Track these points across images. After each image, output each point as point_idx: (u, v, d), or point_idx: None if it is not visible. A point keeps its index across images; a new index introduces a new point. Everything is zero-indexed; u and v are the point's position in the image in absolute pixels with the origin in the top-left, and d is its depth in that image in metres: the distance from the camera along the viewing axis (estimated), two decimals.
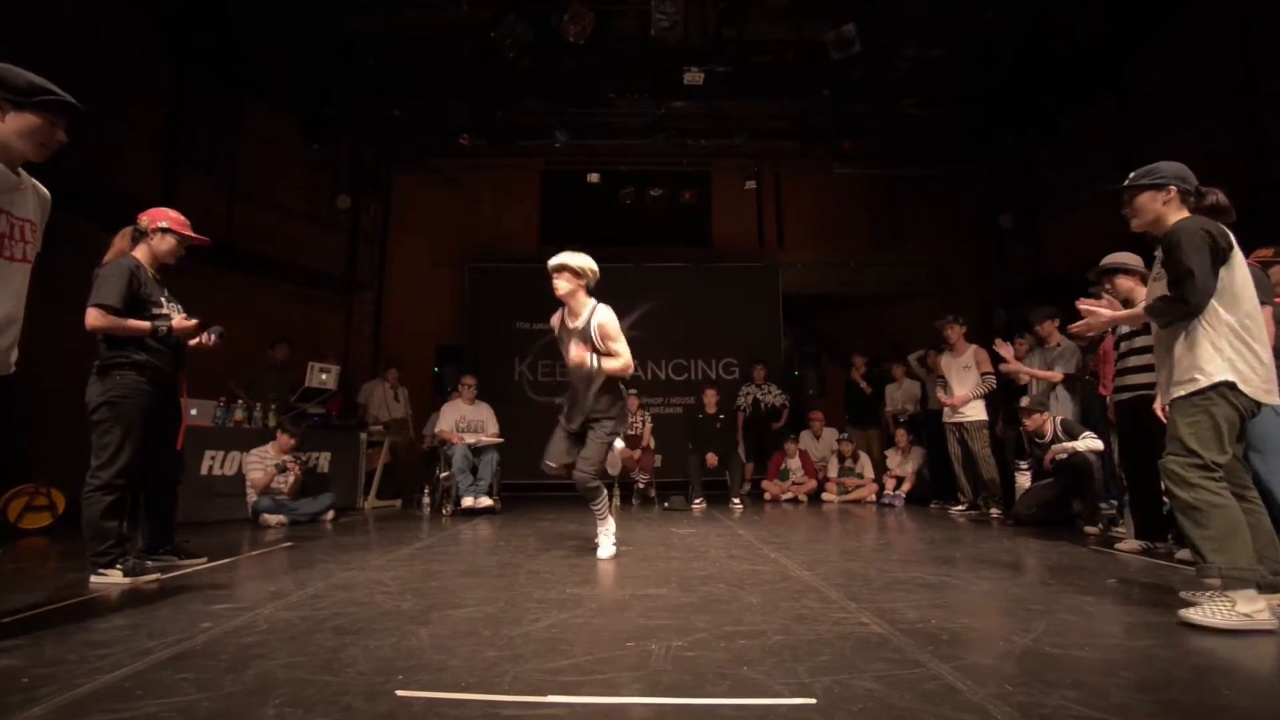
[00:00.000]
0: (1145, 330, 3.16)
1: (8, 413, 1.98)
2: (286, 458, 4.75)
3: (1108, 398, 3.78)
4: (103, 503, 2.56)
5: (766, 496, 6.56)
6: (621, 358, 2.99)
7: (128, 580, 2.55)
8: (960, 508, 5.23)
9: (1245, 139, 5.06)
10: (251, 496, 4.66)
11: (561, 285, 3.02)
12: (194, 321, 2.82)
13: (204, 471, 4.70)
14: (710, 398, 6.53)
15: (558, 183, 8.59)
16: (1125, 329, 3.31)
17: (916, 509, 5.68)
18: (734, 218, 8.69)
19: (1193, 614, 1.86)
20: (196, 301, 3.06)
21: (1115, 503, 4.10)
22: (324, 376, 5.57)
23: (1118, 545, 3.32)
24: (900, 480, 6.19)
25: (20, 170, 1.88)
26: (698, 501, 5.95)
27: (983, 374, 5.10)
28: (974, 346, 5.24)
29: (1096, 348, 4.24)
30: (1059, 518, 4.21)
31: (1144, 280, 3.28)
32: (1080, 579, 2.59)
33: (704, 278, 8.36)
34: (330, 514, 4.84)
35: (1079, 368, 4.50)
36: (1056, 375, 4.56)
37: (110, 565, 2.56)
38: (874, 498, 6.25)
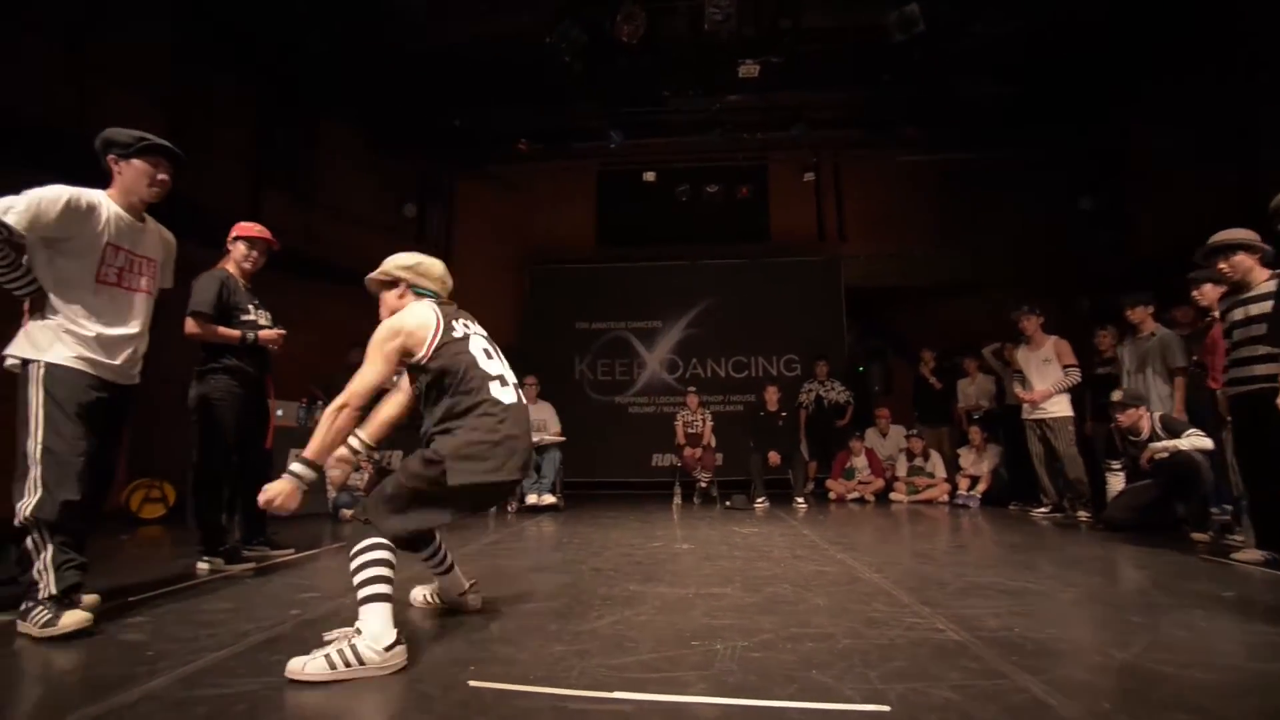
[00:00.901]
0: (1265, 316, 2.85)
1: (129, 416, 2.23)
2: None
3: (1218, 391, 3.44)
4: (204, 496, 2.81)
5: (831, 496, 6.39)
6: (361, 379, 1.84)
7: (228, 567, 2.77)
8: (1043, 510, 4.91)
9: None
10: (331, 493, 4.94)
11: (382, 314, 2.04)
12: (278, 332, 3.03)
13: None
14: (771, 395, 6.41)
15: (613, 183, 8.66)
16: (1239, 313, 2.99)
17: (993, 510, 5.38)
18: (792, 211, 8.50)
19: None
20: (280, 308, 3.27)
21: (1229, 507, 3.73)
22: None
23: (1234, 555, 3.01)
24: (975, 480, 5.88)
25: (146, 216, 2.17)
26: (760, 500, 5.86)
27: (1065, 367, 4.77)
28: (1054, 338, 4.91)
29: (1204, 335, 3.88)
30: (1159, 523, 3.88)
31: (1264, 259, 2.97)
32: (1189, 591, 2.37)
33: (763, 273, 8.22)
34: None
35: (1184, 358, 4.13)
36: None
37: (213, 553, 2.80)
38: (946, 498, 5.97)
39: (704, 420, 6.62)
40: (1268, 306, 2.80)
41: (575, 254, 8.60)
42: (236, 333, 2.91)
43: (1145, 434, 3.94)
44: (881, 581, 2.52)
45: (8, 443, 1.97)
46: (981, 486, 5.80)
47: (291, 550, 3.23)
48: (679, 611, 2.08)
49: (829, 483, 6.51)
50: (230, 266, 3.05)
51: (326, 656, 1.45)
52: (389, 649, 1.49)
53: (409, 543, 1.78)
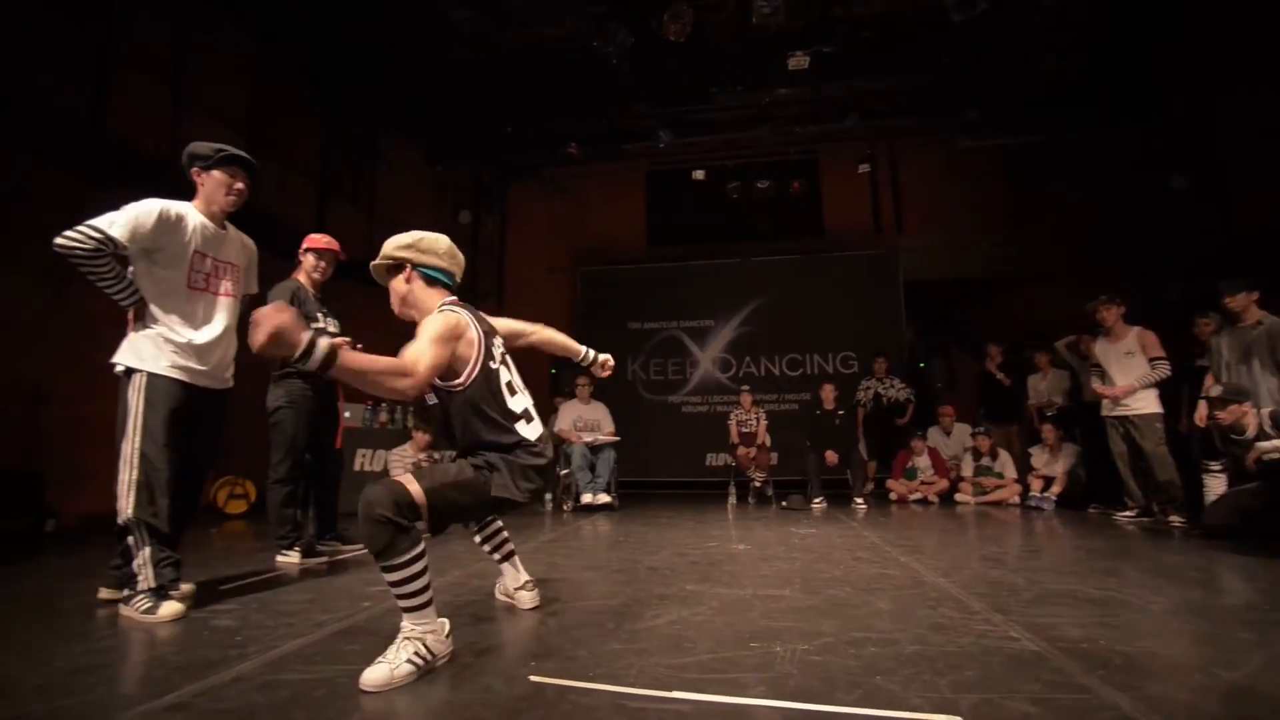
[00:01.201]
0: None
1: (224, 418, 2.42)
2: (422, 455, 5.20)
3: None
4: (281, 493, 2.98)
5: (892, 497, 6.17)
6: (418, 370, 1.56)
7: (304, 561, 2.93)
8: (1128, 513, 4.58)
9: None
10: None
11: (392, 303, 1.91)
12: (345, 340, 3.18)
13: (356, 468, 5.27)
14: (828, 393, 6.25)
15: (663, 183, 8.67)
16: None
17: (1071, 513, 5.05)
18: (847, 204, 8.26)
19: None
20: (347, 316, 3.43)
21: None
22: None
23: None
24: (1049, 481, 5.55)
25: (227, 224, 2.33)
26: (817, 501, 5.72)
27: (1152, 360, 4.44)
28: (1137, 329, 4.57)
29: None
30: (1268, 530, 3.54)
31: None
32: None
33: (817, 269, 8.03)
34: None
35: None
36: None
37: (290, 547, 2.98)
38: (1017, 500, 5.66)
39: (758, 419, 6.52)
40: None
41: (626, 254, 8.65)
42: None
43: (1251, 432, 3.61)
44: (948, 586, 2.41)
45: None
46: (1056, 488, 5.47)
47: (360, 546, 3.38)
48: (737, 612, 2.05)
49: (889, 483, 6.29)
50: (301, 277, 3.22)
51: (409, 660, 1.46)
52: (448, 635, 1.61)
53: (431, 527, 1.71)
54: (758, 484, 6.34)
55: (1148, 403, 4.44)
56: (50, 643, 1.76)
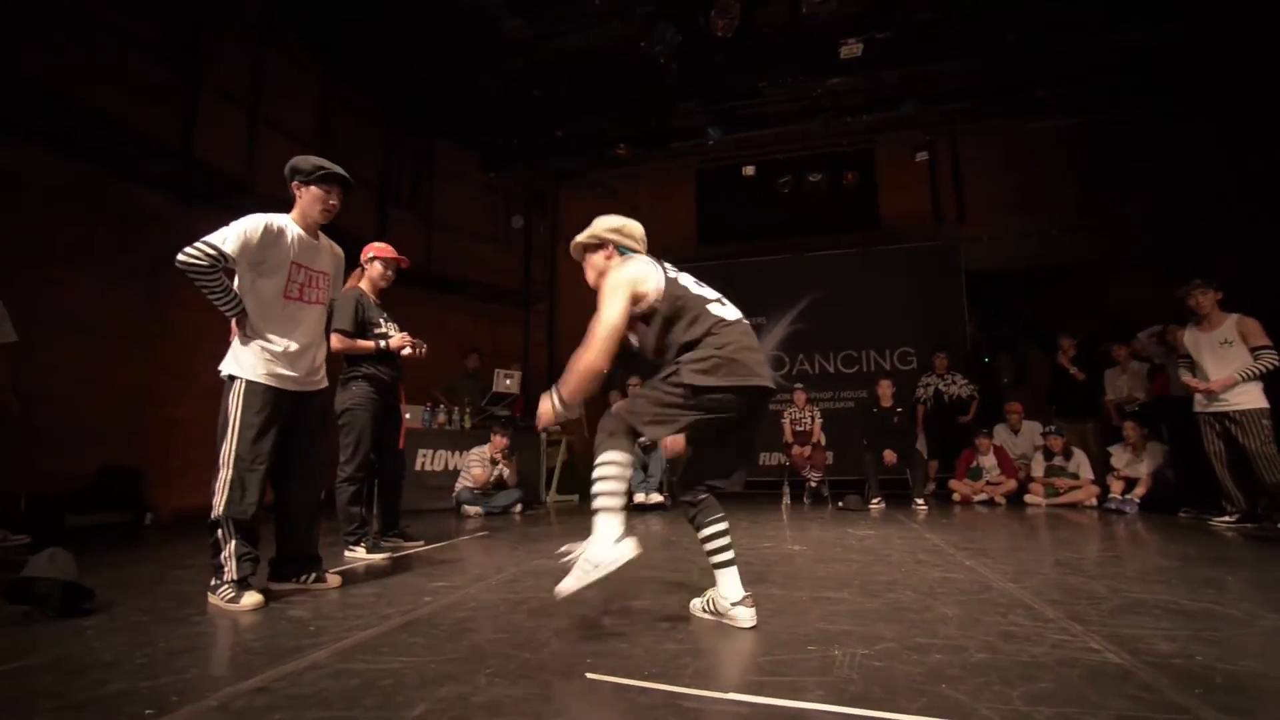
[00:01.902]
0: None
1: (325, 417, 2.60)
2: (499, 455, 5.38)
3: None
4: (348, 492, 3.13)
5: (955, 498, 5.92)
6: (603, 327, 1.87)
7: (370, 557, 3.06)
8: (1228, 519, 4.22)
9: None
10: (460, 485, 5.32)
11: (588, 278, 2.15)
12: (404, 336, 3.30)
13: (417, 467, 5.47)
14: (885, 390, 6.05)
15: (713, 180, 8.60)
16: None
17: (1158, 518, 4.70)
18: (904, 195, 7.97)
19: None
20: (406, 320, 3.56)
21: None
22: (508, 382, 6.19)
23: None
24: (1131, 482, 5.19)
25: (319, 234, 2.46)
26: (875, 501, 5.55)
27: (1255, 350, 4.07)
28: (1236, 316, 4.21)
29: None
30: None
31: None
32: None
33: (873, 262, 7.78)
34: (518, 507, 5.34)
35: None
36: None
37: (357, 543, 3.12)
38: (1094, 502, 5.32)
39: (812, 418, 6.39)
40: None
41: (677, 253, 8.55)
42: (371, 344, 3.21)
43: None
44: (1019, 592, 2.28)
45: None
46: (1140, 490, 5.11)
47: (421, 542, 3.51)
48: (793, 614, 2.02)
49: (952, 483, 6.04)
50: (364, 284, 3.37)
51: (572, 574, 1.73)
52: (618, 541, 1.76)
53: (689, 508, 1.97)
54: (813, 484, 6.20)
55: (1252, 397, 4.07)
56: (153, 626, 1.91)
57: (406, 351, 3.32)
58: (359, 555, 3.08)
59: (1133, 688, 1.38)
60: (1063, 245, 7.37)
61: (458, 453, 5.74)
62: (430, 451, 5.61)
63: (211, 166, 5.13)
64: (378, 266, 3.38)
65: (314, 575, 2.38)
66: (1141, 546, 3.53)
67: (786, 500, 6.03)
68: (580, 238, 2.14)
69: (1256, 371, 4.05)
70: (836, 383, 7.67)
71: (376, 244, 3.46)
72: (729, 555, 1.91)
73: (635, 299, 1.92)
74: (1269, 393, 4.10)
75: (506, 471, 5.35)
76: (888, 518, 4.85)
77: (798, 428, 6.40)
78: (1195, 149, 6.91)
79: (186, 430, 5.00)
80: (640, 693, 1.36)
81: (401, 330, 3.39)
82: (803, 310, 7.90)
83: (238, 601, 2.09)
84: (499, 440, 5.37)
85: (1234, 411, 4.09)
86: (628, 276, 1.94)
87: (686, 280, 2.03)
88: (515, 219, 8.71)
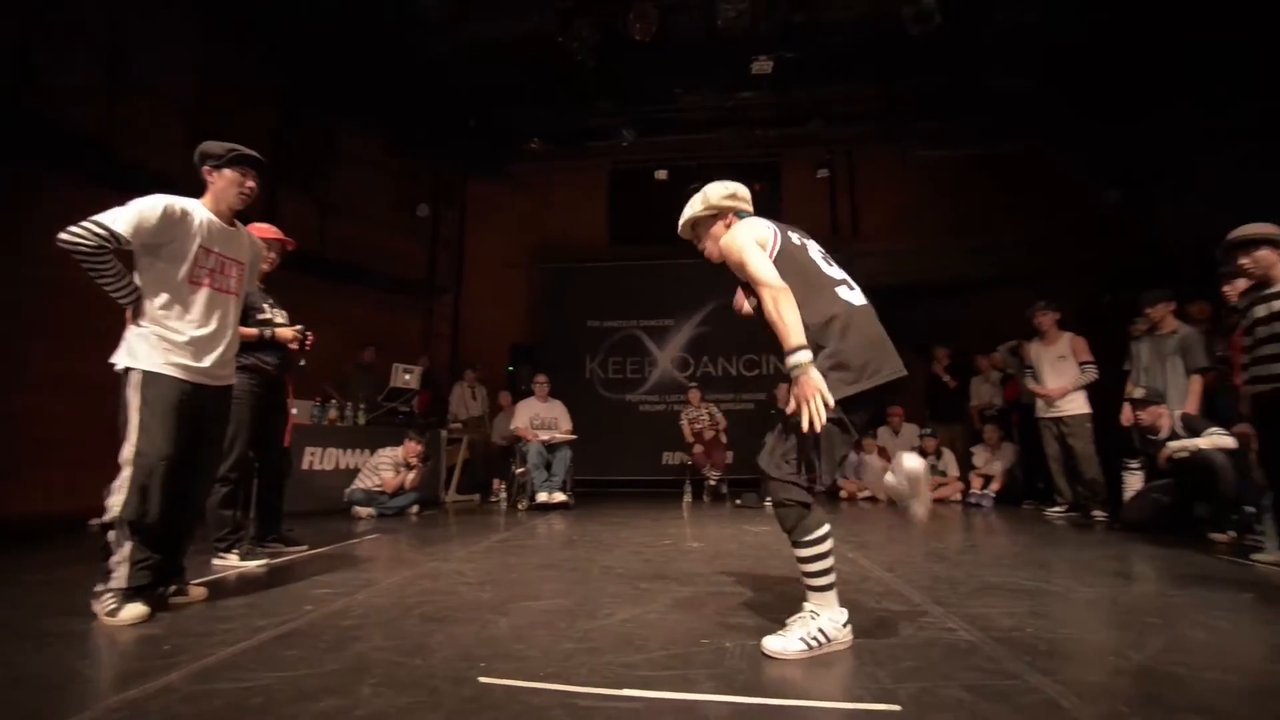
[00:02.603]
0: None
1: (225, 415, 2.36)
2: (414, 459, 5.10)
3: (1240, 388, 3.37)
4: (219, 493, 2.85)
5: (843, 495, 6.35)
6: (762, 279, 1.74)
7: (243, 564, 2.81)
8: (1058, 509, 4.85)
9: None
10: (355, 486, 5.00)
11: (709, 252, 2.08)
12: (295, 331, 3.06)
13: (305, 466, 5.09)
14: (783, 392, 6.33)
15: (626, 181, 8.66)
16: (1262, 310, 2.93)
17: (1007, 510, 5.32)
18: (806, 208, 8.42)
19: None
20: (296, 308, 3.30)
21: (1251, 509, 3.66)
22: (407, 377, 5.90)
23: (1254, 556, 2.96)
24: (989, 479, 5.82)
25: (235, 221, 2.31)
26: (770, 499, 5.83)
27: (1082, 364, 4.71)
28: (1069, 334, 4.85)
29: (1231, 333, 3.80)
30: (1177, 523, 3.81)
31: None
32: (1209, 592, 2.33)
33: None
34: (415, 508, 5.11)
35: (1206, 356, 4.05)
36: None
37: (229, 550, 2.85)
38: (959, 497, 5.91)
39: (709, 415, 6.61)
40: None
41: (587, 252, 8.62)
42: (253, 331, 2.95)
43: (1164, 433, 3.88)
44: (893, 580, 2.50)
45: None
46: (995, 485, 5.74)
47: (305, 546, 3.27)
48: (689, 610, 2.08)
49: (840, 481, 6.47)
50: None
51: (802, 639, 1.60)
52: (845, 625, 1.66)
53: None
54: (712, 482, 6.42)
55: (1078, 404, 4.71)
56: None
57: (293, 345, 3.08)
58: (230, 563, 2.82)
59: (979, 659, 1.56)
60: (942, 264, 8.11)
61: (350, 451, 5.40)
62: (319, 449, 5.23)
63: (56, 123, 4.49)
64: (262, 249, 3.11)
65: (174, 588, 2.15)
66: (994, 536, 3.97)
67: (688, 498, 6.20)
68: (693, 213, 2.01)
69: (1084, 382, 4.68)
70: (738, 385, 7.99)
71: (259, 224, 3.17)
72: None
73: (754, 278, 1.77)
74: (1093, 401, 4.75)
75: (412, 476, 5.11)
76: None
77: (695, 426, 6.60)
78: (1054, 184, 7.86)
79: (27, 427, 4.36)
80: (534, 694, 1.36)
81: (287, 317, 3.14)
82: (708, 314, 8.17)
83: (117, 614, 1.88)
84: (413, 447, 5.13)
85: (1066, 417, 4.71)
86: (746, 233, 1.83)
87: (815, 251, 1.86)
88: (421, 207, 8.32)
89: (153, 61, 5.29)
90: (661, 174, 8.17)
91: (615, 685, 1.40)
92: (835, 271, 1.85)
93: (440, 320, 8.69)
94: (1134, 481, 4.24)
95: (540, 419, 5.98)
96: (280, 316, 3.14)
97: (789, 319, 1.64)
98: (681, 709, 1.29)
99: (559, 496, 5.50)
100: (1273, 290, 2.89)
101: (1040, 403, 4.89)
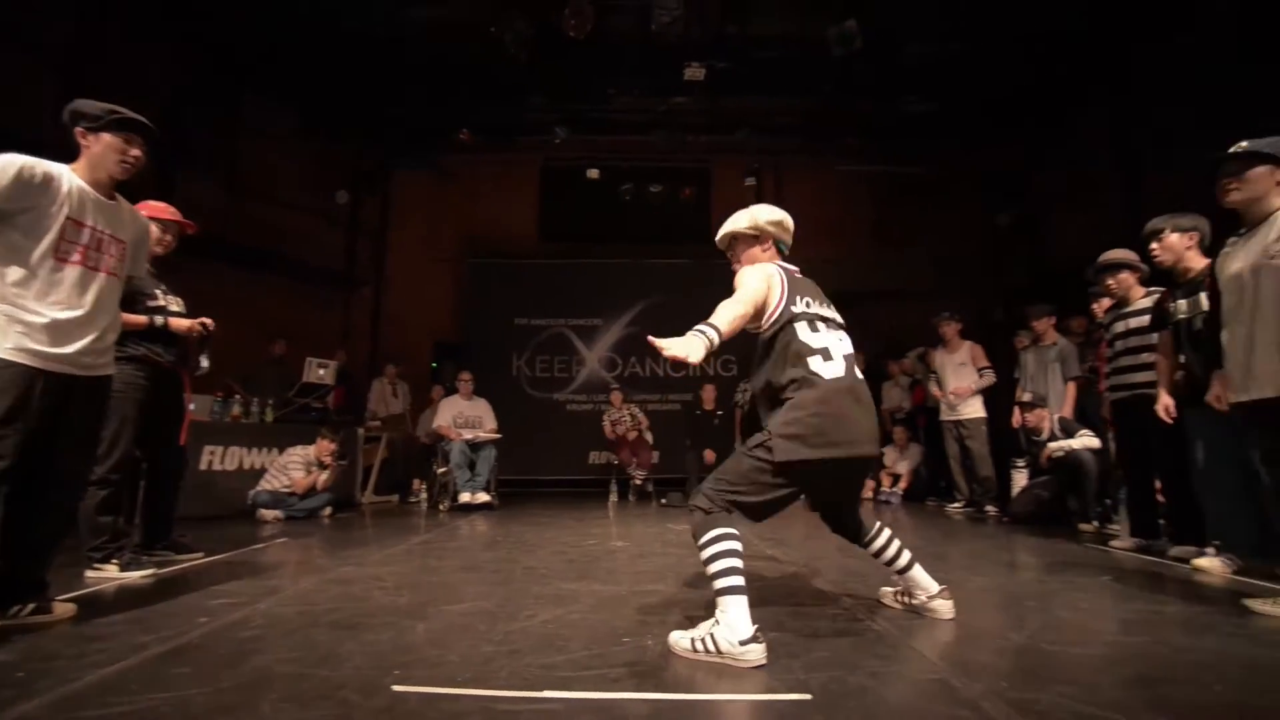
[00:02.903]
0: (1142, 329, 3.17)
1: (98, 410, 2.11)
2: (328, 459, 4.80)
3: (1103, 394, 3.79)
4: (97, 496, 2.55)
5: None
6: (739, 294, 1.81)
7: (124, 575, 2.55)
8: (957, 505, 5.25)
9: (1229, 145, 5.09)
10: (260, 487, 4.66)
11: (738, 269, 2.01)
12: (191, 323, 2.82)
13: (204, 466, 4.70)
14: (709, 394, 6.53)
15: (557, 179, 8.57)
16: (1120, 326, 3.31)
17: (913, 506, 5.69)
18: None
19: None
20: (197, 297, 3.05)
21: (1110, 501, 4.11)
22: (322, 372, 5.57)
23: (1112, 543, 3.33)
24: (897, 477, 6.20)
25: (117, 195, 2.08)
26: None
27: (980, 369, 5.12)
28: (969, 343, 5.26)
29: (1099, 344, 4.25)
30: (1055, 515, 4.22)
31: (1142, 278, 3.31)
32: (1076, 576, 2.60)
33: (704, 275, 8.31)
34: (327, 510, 4.84)
35: (1081, 366, 4.51)
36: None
37: (106, 560, 2.56)
38: (870, 494, 6.27)
39: (632, 416, 6.67)
40: (1145, 320, 3.16)
41: (516, 248, 8.46)
42: (142, 319, 2.69)
43: (1045, 434, 4.28)
44: (808, 575, 2.62)
45: None
46: (903, 484, 6.13)
47: (200, 554, 3.02)
48: (611, 609, 2.09)
49: None
50: None
51: (692, 639, 1.58)
52: (744, 643, 1.52)
53: (758, 514, 1.74)
54: (638, 481, 6.48)
55: (975, 408, 5.11)
56: None
57: (191, 335, 2.83)
58: (108, 575, 2.53)
59: (884, 648, 1.67)
60: (859, 274, 8.55)
61: (256, 450, 5.04)
62: (220, 448, 4.84)
63: None
64: (155, 230, 2.84)
65: (32, 606, 1.89)
66: (900, 531, 4.20)
67: (614, 498, 6.23)
68: (736, 228, 1.99)
69: (984, 386, 5.09)
70: (665, 386, 8.10)
71: (153, 202, 2.90)
72: (905, 559, 1.98)
73: (761, 307, 1.81)
74: (988, 405, 5.17)
75: (324, 476, 4.82)
76: None
77: (618, 428, 6.64)
78: (958, 203, 8.49)
79: None
80: (451, 700, 1.32)
81: (183, 305, 2.89)
82: (637, 314, 8.24)
83: None
84: (326, 445, 4.84)
85: (965, 420, 5.10)
86: (761, 275, 1.84)
87: (807, 320, 1.82)
88: (340, 193, 7.87)
89: (20, 3, 4.70)
90: (594, 173, 8.15)
91: (535, 687, 1.38)
92: (819, 339, 1.81)
93: (359, 314, 8.26)
94: (1020, 479, 4.66)
95: (464, 417, 5.82)
96: (175, 305, 2.89)
97: (726, 314, 1.69)
98: (601, 708, 1.29)
99: (482, 497, 5.37)
100: (1130, 309, 3.29)
101: (943, 406, 5.26)
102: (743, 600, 1.58)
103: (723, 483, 1.71)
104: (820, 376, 1.74)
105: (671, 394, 8.03)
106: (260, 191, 7.04)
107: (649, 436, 6.66)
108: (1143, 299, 3.24)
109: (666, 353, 1.56)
